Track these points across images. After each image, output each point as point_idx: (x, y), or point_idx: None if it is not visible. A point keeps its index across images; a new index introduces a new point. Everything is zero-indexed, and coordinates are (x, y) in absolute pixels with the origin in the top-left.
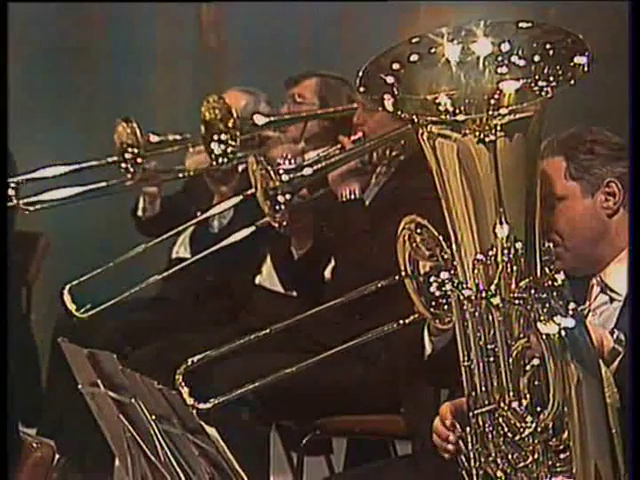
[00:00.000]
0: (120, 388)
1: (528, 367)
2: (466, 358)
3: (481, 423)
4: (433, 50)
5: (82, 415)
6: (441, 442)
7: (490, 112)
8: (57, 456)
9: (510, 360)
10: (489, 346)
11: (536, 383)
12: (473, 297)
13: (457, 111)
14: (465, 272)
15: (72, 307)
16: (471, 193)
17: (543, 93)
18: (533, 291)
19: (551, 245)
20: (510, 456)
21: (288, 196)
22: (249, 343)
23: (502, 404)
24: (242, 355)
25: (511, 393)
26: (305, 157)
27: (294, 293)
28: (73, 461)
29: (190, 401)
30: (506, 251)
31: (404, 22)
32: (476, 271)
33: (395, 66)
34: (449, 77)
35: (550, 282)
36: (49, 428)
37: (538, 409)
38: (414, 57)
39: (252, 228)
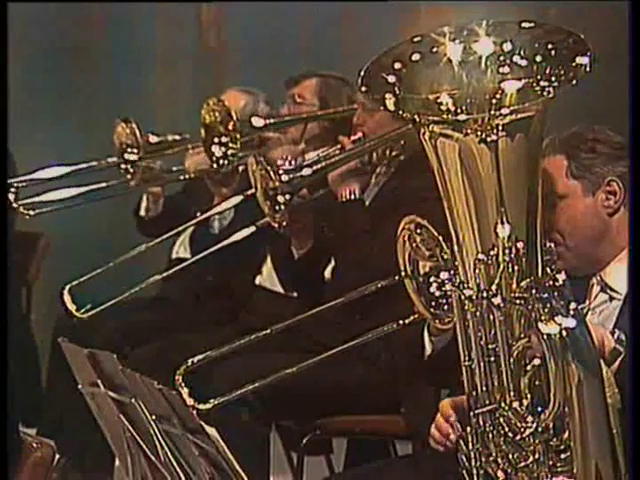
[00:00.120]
0: (120, 388)
1: (529, 367)
2: (467, 358)
3: (482, 423)
4: (435, 49)
5: (82, 415)
6: (439, 436)
7: (492, 112)
8: (57, 456)
9: (511, 360)
10: (490, 346)
11: (537, 383)
12: (474, 297)
13: (459, 111)
14: (466, 272)
15: (72, 307)
16: (472, 193)
17: (545, 93)
18: (534, 291)
19: (552, 245)
20: (511, 456)
21: (288, 196)
22: (249, 343)
23: (503, 404)
24: (242, 355)
25: (512, 393)
26: (305, 157)
27: (294, 293)
28: (73, 461)
29: (190, 401)
30: (507, 251)
31: (404, 22)
32: (477, 271)
33: (397, 65)
34: (451, 77)
35: (551, 282)
36: (49, 428)
37: (539, 409)
38: (416, 56)
39: (252, 228)
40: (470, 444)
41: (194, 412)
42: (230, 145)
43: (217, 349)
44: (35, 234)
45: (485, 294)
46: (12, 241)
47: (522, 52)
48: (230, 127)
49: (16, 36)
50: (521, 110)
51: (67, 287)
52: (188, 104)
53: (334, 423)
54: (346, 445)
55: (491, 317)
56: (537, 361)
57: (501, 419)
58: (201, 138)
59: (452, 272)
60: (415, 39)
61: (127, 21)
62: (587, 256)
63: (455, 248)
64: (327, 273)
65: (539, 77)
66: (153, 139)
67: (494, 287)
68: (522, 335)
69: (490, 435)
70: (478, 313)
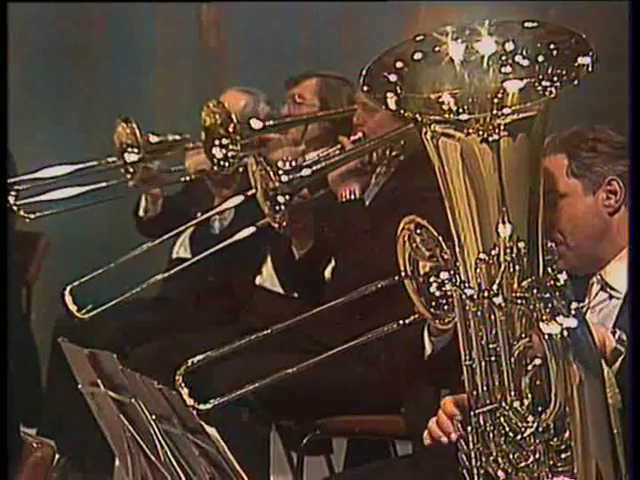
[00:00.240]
0: (120, 388)
1: (530, 367)
2: (468, 357)
3: (482, 422)
4: (437, 49)
5: (82, 415)
6: (437, 432)
7: (494, 111)
8: (57, 456)
9: (512, 360)
10: (491, 345)
11: (538, 383)
12: (475, 296)
13: (461, 110)
14: (467, 271)
15: (73, 308)
16: (474, 192)
17: (547, 93)
18: (535, 291)
19: (554, 245)
20: (511, 456)
21: (288, 197)
22: (250, 343)
23: (504, 403)
24: (242, 355)
25: (513, 392)
26: (305, 158)
27: (294, 293)
28: (73, 461)
29: (190, 402)
30: (509, 250)
31: (404, 22)
32: (478, 270)
33: (399, 65)
34: (453, 76)
35: (552, 282)
36: (49, 428)
37: (540, 409)
38: (418, 56)
39: (253, 229)
40: (471, 443)
41: (194, 412)
42: (231, 147)
43: (217, 349)
44: (35, 234)
45: (486, 294)
46: (12, 241)
47: (524, 52)
48: (230, 129)
49: (16, 36)
50: (523, 110)
51: (68, 288)
52: (188, 104)
53: (334, 423)
54: (346, 445)
55: (492, 317)
56: (538, 361)
57: (502, 419)
58: (201, 140)
59: (452, 272)
60: (417, 38)
61: (127, 21)
62: (587, 255)
63: (456, 248)
64: (327, 273)
65: (541, 77)
66: (153, 139)
67: (495, 287)
68: (523, 335)
69: (491, 435)
70: (479, 313)
